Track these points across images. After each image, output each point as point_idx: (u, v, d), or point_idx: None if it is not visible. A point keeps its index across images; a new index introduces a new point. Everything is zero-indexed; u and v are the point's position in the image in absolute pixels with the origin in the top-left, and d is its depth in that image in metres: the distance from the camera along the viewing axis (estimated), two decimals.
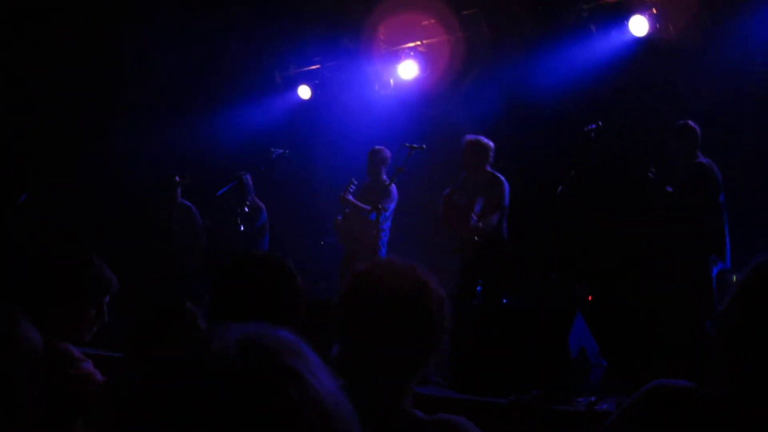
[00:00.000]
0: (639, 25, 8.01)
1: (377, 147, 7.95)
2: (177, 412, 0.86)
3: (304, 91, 10.24)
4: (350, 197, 7.67)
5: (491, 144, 7.27)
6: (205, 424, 0.85)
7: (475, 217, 7.04)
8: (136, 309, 3.18)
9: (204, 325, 2.88)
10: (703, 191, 6.38)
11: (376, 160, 7.87)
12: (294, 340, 0.95)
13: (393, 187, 7.69)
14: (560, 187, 6.76)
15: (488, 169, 7.30)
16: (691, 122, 6.57)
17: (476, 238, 7.00)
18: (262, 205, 8.64)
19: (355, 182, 7.72)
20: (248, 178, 8.35)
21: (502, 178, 7.24)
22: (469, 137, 7.28)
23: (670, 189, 6.49)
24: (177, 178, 8.60)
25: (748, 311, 1.80)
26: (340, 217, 7.86)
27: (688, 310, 6.45)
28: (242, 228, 8.04)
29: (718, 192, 6.43)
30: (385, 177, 7.86)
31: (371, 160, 7.90)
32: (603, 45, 8.36)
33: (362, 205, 7.61)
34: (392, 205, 7.72)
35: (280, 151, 8.35)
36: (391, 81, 9.82)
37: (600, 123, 6.86)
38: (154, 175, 8.97)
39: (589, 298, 7.74)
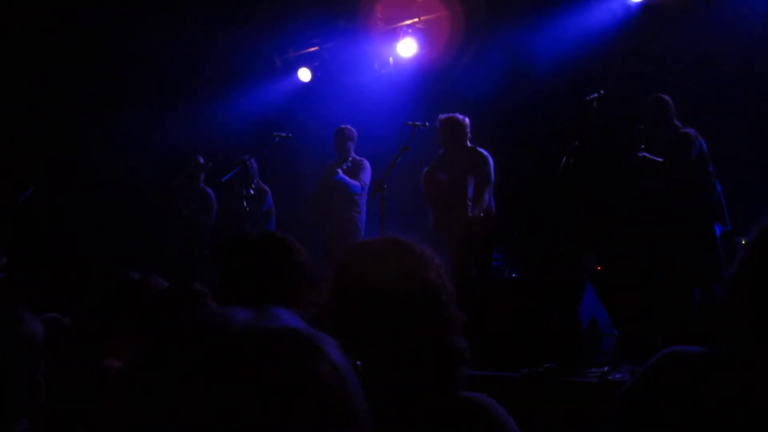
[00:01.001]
0: None
1: (341, 126, 8.21)
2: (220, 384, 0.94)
3: (304, 74, 10.21)
4: (341, 173, 7.77)
5: (467, 120, 7.41)
6: (254, 395, 0.93)
7: (470, 204, 7.13)
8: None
9: (213, 304, 2.88)
10: (689, 159, 6.38)
11: (344, 137, 8.13)
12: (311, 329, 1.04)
13: (366, 161, 7.94)
14: (564, 158, 6.72)
15: (469, 144, 7.40)
16: (663, 95, 6.60)
17: (476, 228, 7.07)
18: (267, 188, 8.69)
19: (350, 161, 7.84)
20: (253, 162, 8.36)
21: (485, 153, 7.35)
22: (442, 116, 7.42)
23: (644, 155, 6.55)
24: (201, 161, 8.70)
25: (760, 272, 1.79)
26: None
27: (696, 275, 6.45)
28: (248, 210, 8.08)
29: (705, 159, 6.43)
30: (353, 153, 8.11)
31: (339, 137, 8.15)
32: (601, 12, 8.30)
33: (351, 181, 7.78)
34: (369, 180, 7.91)
35: (283, 134, 8.33)
36: (391, 59, 9.78)
37: (602, 92, 6.81)
38: (171, 160, 9.03)
39: (598, 268, 7.73)
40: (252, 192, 8.20)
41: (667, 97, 6.62)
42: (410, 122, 7.16)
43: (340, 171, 7.80)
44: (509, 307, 5.72)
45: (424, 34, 9.37)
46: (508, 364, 5.19)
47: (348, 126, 8.24)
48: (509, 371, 5.12)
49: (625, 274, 7.26)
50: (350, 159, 7.92)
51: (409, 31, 9.37)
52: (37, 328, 2.06)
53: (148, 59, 9.59)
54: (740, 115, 7.10)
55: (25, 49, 8.97)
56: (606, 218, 7.76)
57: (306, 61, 10.24)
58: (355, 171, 7.96)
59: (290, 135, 8.38)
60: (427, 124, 7.20)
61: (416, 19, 9.41)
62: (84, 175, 9.31)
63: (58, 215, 8.80)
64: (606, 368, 4.88)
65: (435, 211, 7.48)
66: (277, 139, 8.31)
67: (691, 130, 6.49)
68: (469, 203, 7.20)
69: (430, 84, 9.42)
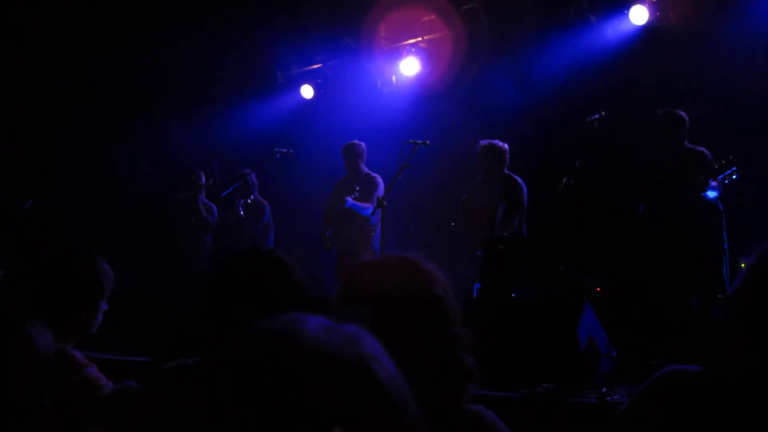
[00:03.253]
0: (639, 14, 8.00)
1: (351, 142, 8.14)
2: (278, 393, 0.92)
3: (307, 91, 10.24)
4: (350, 201, 7.70)
5: (506, 146, 7.45)
6: (312, 404, 0.92)
7: (498, 225, 7.16)
8: (158, 315, 3.16)
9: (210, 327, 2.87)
10: (698, 178, 6.38)
11: (353, 154, 8.07)
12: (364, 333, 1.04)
13: (378, 176, 7.85)
14: (565, 178, 6.74)
15: (505, 172, 7.45)
16: (677, 110, 6.61)
17: (501, 246, 7.09)
18: (265, 203, 8.67)
19: (357, 189, 7.74)
20: (253, 176, 8.38)
21: (520, 180, 7.41)
22: (484, 142, 7.44)
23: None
24: (203, 179, 8.64)
25: (761, 295, 1.79)
26: (329, 233, 7.98)
27: (699, 297, 6.44)
28: (246, 218, 8.09)
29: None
30: (364, 168, 8.02)
31: (348, 155, 8.09)
32: (604, 35, 8.34)
33: (364, 205, 7.69)
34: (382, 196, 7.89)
35: (284, 150, 8.35)
36: (394, 78, 9.81)
37: (603, 113, 6.84)
38: (174, 173, 9.03)
39: (598, 289, 7.72)
40: (250, 202, 8.20)
41: (681, 112, 6.63)
42: (411, 140, 7.17)
43: (349, 199, 7.69)
44: (508, 327, 5.72)
45: (426, 54, 9.41)
46: (506, 384, 5.17)
47: (356, 141, 8.17)
48: (507, 391, 5.10)
49: (625, 294, 7.25)
50: (358, 188, 7.74)
51: (412, 50, 9.42)
52: (46, 343, 2.05)
53: (151, 74, 9.62)
54: (741, 137, 7.11)
55: (28, 61, 9.00)
56: (606, 238, 7.75)
57: (309, 78, 10.27)
58: (368, 192, 7.81)
59: (291, 151, 8.40)
60: (428, 142, 7.20)
61: (419, 39, 9.46)
62: (86, 187, 9.32)
63: (58, 226, 8.80)
64: (604, 389, 4.87)
65: (470, 236, 7.49)
66: (278, 155, 8.33)
67: (700, 148, 6.52)
68: (498, 223, 7.25)
69: (431, 103, 9.45)
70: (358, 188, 7.71)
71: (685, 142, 6.61)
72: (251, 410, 0.91)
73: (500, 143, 7.44)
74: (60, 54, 9.11)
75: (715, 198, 6.37)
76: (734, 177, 6.09)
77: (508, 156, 7.46)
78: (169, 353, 2.66)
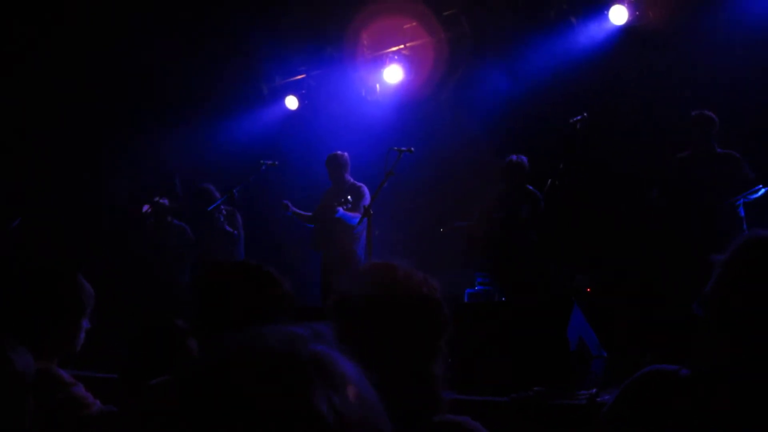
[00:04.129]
0: (619, 15, 8.04)
1: (334, 153, 8.13)
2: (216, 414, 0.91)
3: (292, 101, 10.25)
4: (341, 211, 7.69)
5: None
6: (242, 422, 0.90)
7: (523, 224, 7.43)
8: (128, 330, 3.15)
9: (194, 342, 2.86)
10: (734, 179, 6.42)
11: (337, 165, 8.05)
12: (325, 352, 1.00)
13: (363, 186, 7.87)
14: (550, 180, 6.76)
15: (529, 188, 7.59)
16: (708, 112, 6.64)
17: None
18: (235, 211, 8.69)
19: (350, 200, 7.73)
20: (234, 191, 8.38)
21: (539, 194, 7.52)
22: (513, 157, 7.55)
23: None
24: (166, 203, 8.58)
25: (732, 289, 1.80)
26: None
27: (688, 297, 6.44)
28: (225, 230, 8.12)
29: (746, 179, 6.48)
30: (349, 178, 8.03)
31: (332, 165, 8.08)
32: (584, 36, 8.37)
33: (353, 215, 7.69)
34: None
35: (270, 162, 8.34)
36: (377, 86, 9.82)
37: (585, 114, 6.87)
38: (157, 187, 9.00)
39: (588, 290, 7.74)
40: (225, 214, 8.22)
41: (712, 115, 6.67)
42: (396, 148, 7.18)
43: (340, 209, 7.63)
44: (498, 330, 5.72)
45: (409, 61, 9.43)
46: (497, 388, 5.17)
47: (339, 152, 8.14)
48: (498, 395, 5.10)
49: (615, 293, 7.27)
50: (350, 199, 7.69)
51: (395, 57, 9.44)
52: (26, 366, 2.04)
53: (134, 87, 9.61)
54: (722, 133, 7.14)
55: (10, 79, 8.98)
56: (596, 239, 7.78)
57: (293, 89, 10.28)
58: (357, 202, 7.79)
59: (277, 162, 8.39)
60: (412, 149, 7.21)
61: (402, 46, 9.47)
62: (70, 203, 9.29)
63: (46, 244, 8.76)
64: (594, 390, 4.87)
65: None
66: (264, 167, 8.32)
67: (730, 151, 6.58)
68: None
69: (416, 110, 9.47)
70: (351, 199, 7.70)
71: (715, 145, 6.63)
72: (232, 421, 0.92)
73: (524, 158, 7.57)
74: (42, 71, 9.09)
75: (744, 203, 6.43)
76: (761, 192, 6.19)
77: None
78: (133, 370, 2.66)
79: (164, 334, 2.87)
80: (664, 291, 6.61)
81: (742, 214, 6.51)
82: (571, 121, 6.94)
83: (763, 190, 6.26)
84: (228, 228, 8.23)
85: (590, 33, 8.34)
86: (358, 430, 0.94)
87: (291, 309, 2.44)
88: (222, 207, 8.23)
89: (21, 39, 8.99)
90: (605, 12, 8.11)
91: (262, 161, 8.35)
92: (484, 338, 5.73)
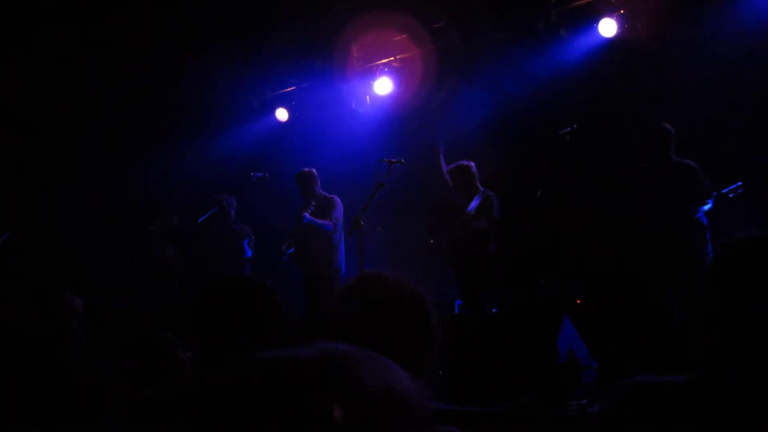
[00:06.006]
0: (608, 27, 8.08)
1: (301, 170, 8.20)
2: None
3: (282, 113, 10.27)
4: (308, 216, 7.73)
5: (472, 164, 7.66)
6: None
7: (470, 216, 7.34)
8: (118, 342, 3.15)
9: (183, 354, 2.86)
10: (689, 189, 6.43)
11: (307, 182, 8.11)
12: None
13: (335, 197, 7.97)
14: (539, 192, 6.79)
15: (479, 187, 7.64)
16: (665, 123, 6.67)
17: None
18: (247, 231, 8.75)
19: (314, 203, 7.77)
20: (232, 200, 8.39)
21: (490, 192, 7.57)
22: (452, 165, 7.68)
23: None
24: (171, 219, 8.63)
25: (720, 296, 1.81)
26: (290, 251, 8.03)
27: (680, 307, 6.47)
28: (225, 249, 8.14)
29: (702, 189, 6.50)
30: (320, 192, 8.09)
31: (302, 183, 8.13)
32: (574, 49, 8.42)
33: (323, 222, 7.74)
34: (341, 216, 7.89)
35: (260, 174, 8.35)
36: (368, 98, 9.84)
37: (575, 125, 6.90)
38: (148, 200, 9.00)
39: (578, 301, 7.75)
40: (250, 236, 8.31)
41: (668, 125, 6.70)
42: (386, 159, 7.20)
43: (306, 215, 7.72)
44: (489, 342, 5.73)
45: (399, 73, 9.46)
46: (487, 398, 5.18)
47: (306, 170, 8.20)
48: (490, 405, 5.11)
49: (605, 304, 7.28)
50: (313, 202, 7.80)
51: (385, 69, 9.46)
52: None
53: (124, 100, 9.60)
54: (709, 145, 7.19)
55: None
56: (585, 249, 7.80)
57: (283, 101, 10.30)
58: (324, 210, 7.90)
59: (267, 174, 8.40)
60: (403, 161, 7.23)
61: (392, 58, 9.50)
62: (58, 216, 9.25)
63: (35, 259, 8.72)
64: (585, 401, 4.88)
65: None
66: (254, 179, 8.33)
67: (687, 161, 6.59)
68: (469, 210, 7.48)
69: (406, 121, 9.50)
70: (314, 203, 7.76)
71: (672, 155, 6.66)
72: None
73: (465, 162, 7.65)
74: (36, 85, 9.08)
75: (703, 212, 6.45)
76: (739, 191, 6.16)
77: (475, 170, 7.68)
78: (123, 381, 2.65)
79: (152, 346, 2.87)
80: (652, 300, 6.64)
81: (705, 222, 6.54)
82: (561, 132, 6.97)
83: (740, 190, 6.29)
84: (248, 252, 8.31)
85: (579, 45, 8.39)
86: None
87: (284, 330, 2.44)
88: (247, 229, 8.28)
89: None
90: (595, 25, 8.15)
91: (252, 173, 8.35)
92: (474, 349, 5.75)
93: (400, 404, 0.99)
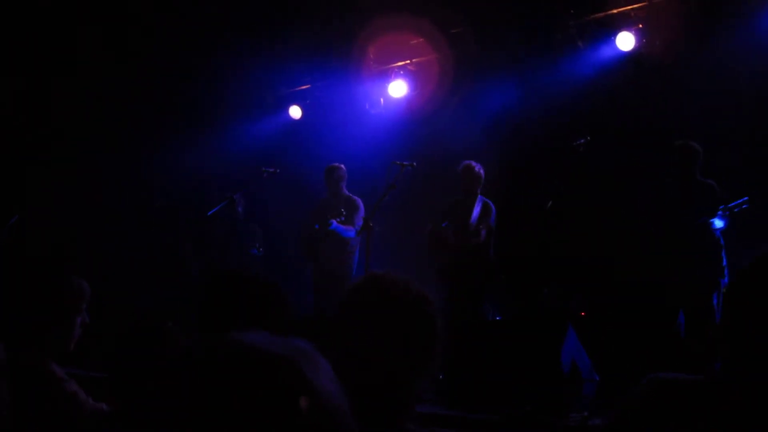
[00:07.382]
0: (626, 41, 8.07)
1: (334, 164, 8.19)
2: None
3: (296, 111, 10.29)
4: (335, 224, 7.68)
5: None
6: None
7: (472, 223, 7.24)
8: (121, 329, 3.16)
9: (185, 344, 2.86)
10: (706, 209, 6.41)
11: (336, 177, 8.11)
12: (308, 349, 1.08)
13: (359, 199, 7.93)
14: (550, 202, 6.78)
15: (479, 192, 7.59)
16: (694, 142, 6.63)
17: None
18: (256, 228, 8.79)
19: (344, 212, 7.73)
20: (240, 197, 8.41)
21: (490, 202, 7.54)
22: (466, 162, 7.54)
23: None
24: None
25: (740, 314, 1.83)
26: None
27: (686, 322, 6.45)
28: (261, 251, 8.23)
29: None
30: (345, 191, 8.09)
31: (330, 177, 8.14)
32: (590, 61, 8.41)
33: (347, 228, 7.71)
34: (362, 221, 7.89)
35: (271, 170, 8.36)
36: (382, 100, 9.85)
37: (588, 137, 6.89)
38: (160, 196, 9.03)
39: (582, 314, 7.74)
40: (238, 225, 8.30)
41: (696, 144, 6.65)
42: (398, 162, 7.20)
43: (334, 222, 7.64)
44: (492, 348, 5.73)
45: (414, 76, 9.48)
46: (488, 405, 5.17)
47: (337, 165, 8.19)
48: (490, 413, 5.10)
49: (611, 317, 7.27)
50: (343, 212, 7.71)
51: (401, 72, 9.48)
52: None
53: (138, 95, 9.62)
54: (726, 161, 7.17)
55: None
56: (592, 262, 7.78)
57: (298, 99, 10.32)
58: (351, 216, 7.83)
59: (278, 170, 8.41)
60: (414, 164, 7.24)
61: (408, 61, 9.52)
62: (69, 206, 9.28)
63: (43, 242, 8.76)
64: (585, 413, 4.87)
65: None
66: (265, 175, 8.34)
67: (709, 180, 6.57)
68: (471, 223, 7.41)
69: (419, 125, 9.50)
70: (344, 212, 7.70)
71: (697, 175, 6.63)
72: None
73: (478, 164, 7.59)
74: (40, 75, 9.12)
75: (720, 229, 6.40)
76: (744, 206, 6.13)
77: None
78: (122, 369, 2.66)
79: (153, 335, 2.88)
80: (659, 315, 6.62)
81: (723, 242, 6.50)
82: (574, 144, 6.96)
83: (745, 205, 6.26)
84: (253, 251, 8.35)
85: (597, 58, 8.38)
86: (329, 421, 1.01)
87: (290, 327, 2.44)
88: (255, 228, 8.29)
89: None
90: (612, 38, 8.15)
91: (263, 169, 8.37)
92: (477, 356, 5.74)
93: (333, 411, 1.03)
